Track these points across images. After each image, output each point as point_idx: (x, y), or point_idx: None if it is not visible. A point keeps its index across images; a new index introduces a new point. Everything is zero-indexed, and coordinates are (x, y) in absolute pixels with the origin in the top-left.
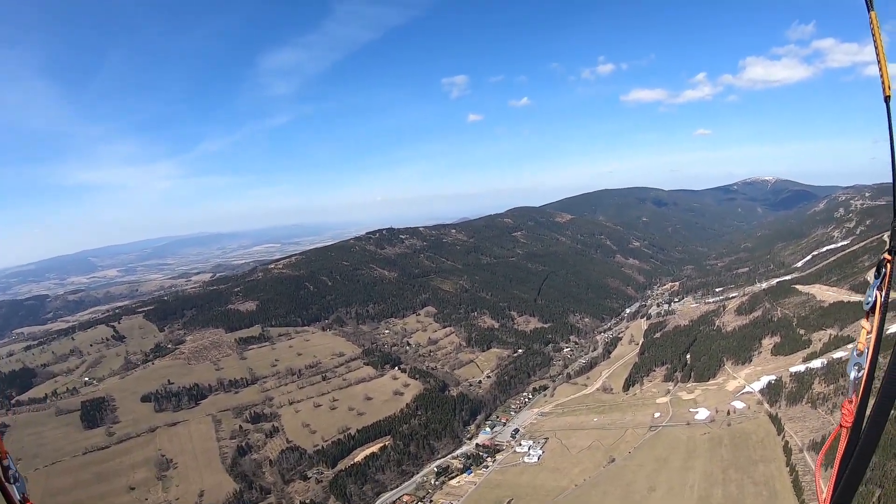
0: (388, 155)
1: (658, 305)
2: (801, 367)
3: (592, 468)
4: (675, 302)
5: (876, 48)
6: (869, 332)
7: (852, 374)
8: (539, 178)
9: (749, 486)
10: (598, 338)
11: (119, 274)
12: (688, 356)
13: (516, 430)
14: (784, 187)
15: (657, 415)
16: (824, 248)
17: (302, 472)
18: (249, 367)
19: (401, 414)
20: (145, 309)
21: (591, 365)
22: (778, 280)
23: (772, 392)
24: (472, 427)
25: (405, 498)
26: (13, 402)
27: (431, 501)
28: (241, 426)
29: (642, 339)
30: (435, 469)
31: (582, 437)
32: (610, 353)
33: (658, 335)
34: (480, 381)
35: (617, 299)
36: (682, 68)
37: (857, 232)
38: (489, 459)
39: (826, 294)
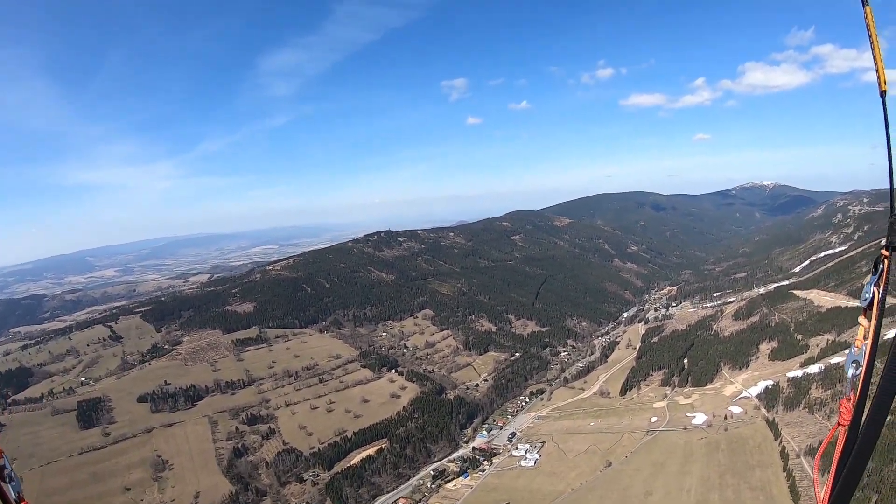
0: (386, 157)
1: (656, 310)
2: (799, 373)
3: (589, 472)
4: (673, 306)
5: (871, 44)
6: (867, 330)
7: (850, 372)
8: (537, 181)
9: (746, 491)
10: (595, 342)
11: (117, 274)
12: (685, 361)
13: (513, 434)
14: (782, 192)
15: (654, 419)
16: (822, 254)
17: (298, 474)
18: (246, 368)
19: (397, 417)
20: (142, 309)
21: (588, 369)
22: (776, 285)
23: (769, 397)
24: (469, 430)
25: (401, 501)
26: (9, 401)
27: None
28: (237, 428)
29: (640, 344)
30: (431, 472)
31: (579, 441)
32: (607, 357)
33: (656, 339)
34: (477, 385)
35: (615, 303)
36: (682, 73)
37: (855, 237)
38: (486, 463)
39: (824, 299)
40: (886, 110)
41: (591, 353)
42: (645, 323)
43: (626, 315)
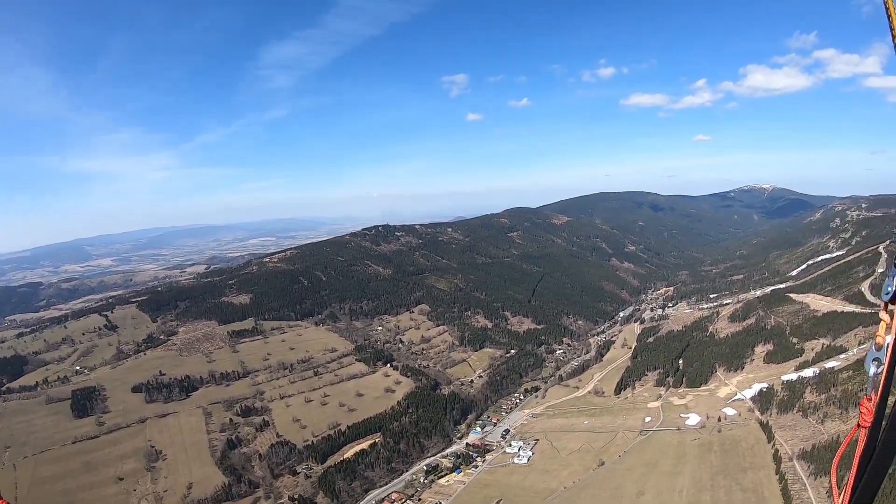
0: (385, 151)
1: (652, 310)
2: (793, 376)
3: (582, 471)
4: (670, 307)
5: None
6: (889, 325)
7: (871, 371)
8: (536, 178)
9: (738, 493)
10: (591, 341)
11: (114, 263)
12: (680, 361)
13: (507, 431)
14: (781, 195)
15: (648, 419)
16: (819, 258)
17: (291, 466)
18: (241, 360)
19: (392, 411)
20: (139, 299)
21: (583, 367)
22: (772, 288)
23: (763, 400)
24: (463, 426)
25: (394, 495)
26: (4, 389)
27: (420, 500)
28: (231, 419)
29: (635, 343)
30: (424, 467)
31: (572, 440)
32: (603, 356)
33: (651, 340)
34: (472, 381)
35: (611, 303)
36: (683, 74)
37: (853, 242)
38: (479, 459)
39: (820, 303)
40: None
41: (587, 352)
42: (641, 323)
43: (622, 314)
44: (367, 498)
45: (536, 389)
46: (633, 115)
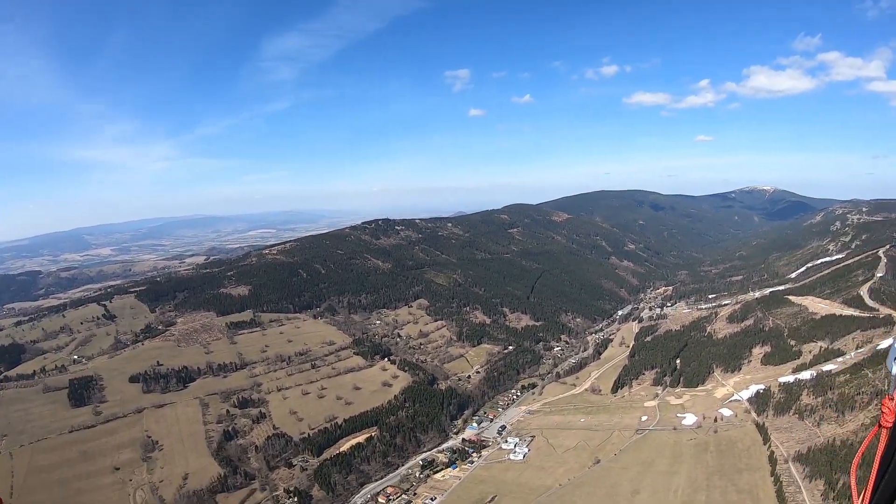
0: (386, 145)
1: (650, 309)
2: (790, 378)
3: (577, 468)
4: (668, 306)
5: None
6: None
7: (894, 370)
8: (537, 175)
9: (733, 494)
10: (589, 338)
11: (113, 253)
12: (678, 361)
13: (503, 427)
14: (782, 197)
15: (644, 418)
16: (819, 261)
17: (287, 459)
18: (239, 351)
19: (388, 405)
20: (137, 289)
21: (580, 365)
22: (771, 290)
23: (760, 401)
24: (459, 422)
25: (389, 490)
26: (1, 377)
27: (415, 494)
28: (228, 411)
29: (633, 342)
30: (420, 462)
31: (568, 437)
32: (600, 354)
33: (649, 339)
34: (469, 376)
35: (610, 301)
36: (686, 74)
37: (853, 246)
38: (475, 455)
39: (818, 306)
40: None
41: (585, 350)
42: (639, 321)
43: (620, 313)
44: (363, 492)
45: (533, 386)
46: (635, 114)
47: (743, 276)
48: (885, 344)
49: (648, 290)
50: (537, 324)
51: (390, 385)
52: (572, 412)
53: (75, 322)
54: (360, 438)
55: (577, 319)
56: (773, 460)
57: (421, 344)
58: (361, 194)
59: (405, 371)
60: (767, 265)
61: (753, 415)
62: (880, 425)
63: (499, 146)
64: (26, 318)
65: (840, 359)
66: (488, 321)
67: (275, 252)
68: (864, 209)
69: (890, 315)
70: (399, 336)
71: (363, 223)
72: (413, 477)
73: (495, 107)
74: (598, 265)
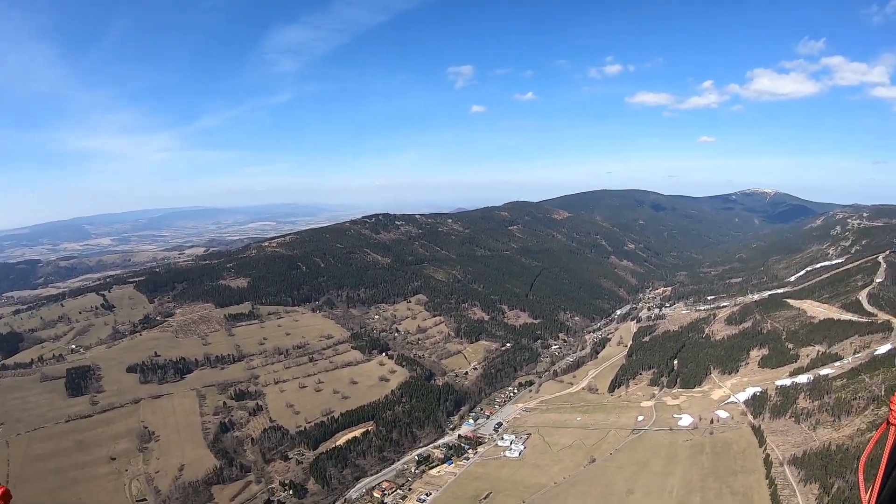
0: (388, 140)
1: (649, 309)
2: (787, 382)
3: (573, 467)
4: (667, 307)
5: None
6: None
7: None
8: (538, 173)
9: (727, 496)
10: (587, 337)
11: (113, 243)
12: (675, 362)
13: (499, 424)
14: (782, 201)
15: (641, 418)
16: (818, 265)
17: (283, 452)
18: (237, 343)
19: (385, 400)
20: (136, 279)
21: (578, 364)
22: (770, 293)
23: (756, 404)
24: (456, 418)
25: (384, 484)
26: None
27: (410, 490)
28: (225, 403)
29: (631, 342)
30: (416, 457)
31: (564, 436)
32: (598, 353)
33: (647, 339)
34: (467, 373)
35: (608, 300)
36: (690, 74)
37: (853, 251)
38: (470, 451)
39: (817, 310)
40: None
41: (582, 348)
42: (637, 321)
43: (619, 312)
44: (358, 486)
45: (530, 384)
46: (637, 114)
47: (742, 278)
48: (883, 349)
49: (647, 291)
50: (536, 321)
51: (387, 380)
52: (569, 410)
53: (74, 311)
54: (357, 433)
55: (576, 318)
56: (768, 463)
57: (419, 339)
58: (362, 189)
59: (403, 366)
60: (767, 268)
61: (750, 417)
62: (888, 423)
63: (500, 143)
64: (25, 306)
65: (837, 363)
66: (487, 318)
67: (274, 245)
68: (864, 214)
69: (888, 321)
70: (397, 331)
71: (363, 217)
72: (408, 472)
73: (498, 104)
74: (597, 264)
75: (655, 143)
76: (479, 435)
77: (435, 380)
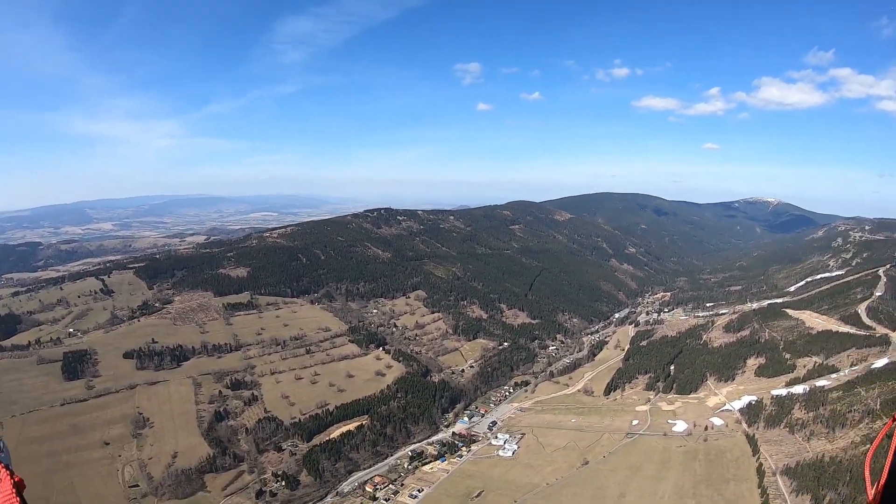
0: (392, 135)
1: (647, 313)
2: (783, 392)
3: (566, 468)
4: (665, 312)
5: None
6: None
7: None
8: (542, 173)
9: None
10: (584, 339)
11: (114, 228)
12: (672, 367)
13: (494, 423)
14: (785, 210)
15: (635, 422)
16: (818, 276)
17: (277, 443)
18: (235, 333)
19: (381, 395)
20: (136, 265)
21: (574, 365)
22: (769, 302)
23: (751, 412)
24: (451, 415)
25: (377, 479)
26: None
27: (403, 485)
28: (220, 391)
29: (628, 346)
30: (409, 453)
31: (558, 437)
32: (595, 355)
33: (644, 343)
34: (463, 370)
35: (607, 303)
36: (697, 80)
37: (853, 263)
38: (464, 449)
39: (815, 321)
40: None
41: (580, 350)
42: (636, 325)
43: (617, 315)
44: (350, 479)
45: (526, 384)
46: (643, 118)
47: (742, 286)
48: (880, 363)
49: (647, 295)
50: (534, 322)
51: (384, 374)
52: (564, 412)
53: (73, 295)
54: (351, 426)
55: (574, 320)
56: (761, 472)
57: (416, 335)
58: (365, 182)
59: (399, 361)
60: (767, 277)
61: (744, 426)
62: (894, 419)
63: (505, 142)
64: (24, 288)
65: (834, 375)
66: (485, 316)
67: (276, 235)
68: (866, 227)
69: (886, 335)
70: (395, 326)
71: (365, 211)
72: (401, 467)
73: (504, 102)
74: (597, 267)
75: (660, 147)
76: (473, 433)
77: (431, 376)
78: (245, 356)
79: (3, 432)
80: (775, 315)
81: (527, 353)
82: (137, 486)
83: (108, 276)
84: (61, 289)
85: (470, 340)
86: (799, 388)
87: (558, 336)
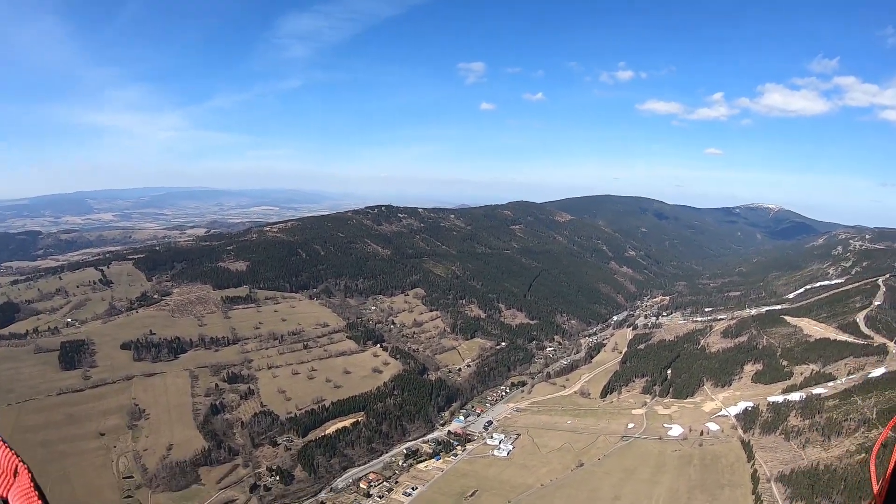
0: (394, 133)
1: (646, 317)
2: (780, 398)
3: (560, 470)
4: (664, 316)
5: None
6: None
7: None
8: (543, 174)
9: None
10: (582, 341)
11: (114, 218)
12: (669, 371)
13: (489, 423)
14: (786, 217)
15: (631, 425)
16: (818, 284)
17: (272, 437)
18: (233, 326)
19: (377, 392)
20: (136, 256)
21: (572, 367)
22: (768, 308)
23: (747, 418)
24: (447, 414)
25: (371, 476)
26: None
27: (397, 482)
28: (217, 385)
29: (626, 349)
30: (404, 451)
31: (554, 438)
32: (592, 357)
33: (642, 346)
34: (460, 369)
35: (606, 305)
36: (701, 85)
37: (853, 272)
38: (459, 448)
39: (813, 329)
40: None
41: (577, 352)
42: (634, 329)
43: (615, 318)
44: (345, 476)
45: (523, 384)
46: (646, 121)
47: (741, 292)
48: (877, 372)
49: (645, 298)
50: (532, 322)
51: (380, 371)
52: (560, 413)
53: (72, 285)
54: (347, 422)
55: (572, 321)
56: (755, 479)
57: (414, 333)
58: (366, 179)
59: (396, 359)
60: (766, 283)
61: (740, 431)
62: None
63: (507, 142)
64: (23, 277)
65: (831, 383)
66: (483, 316)
67: (276, 230)
68: (867, 236)
69: (884, 344)
70: (393, 323)
71: (366, 208)
72: (396, 465)
73: (507, 102)
74: (597, 269)
75: (662, 151)
76: (468, 432)
77: (428, 374)
78: (242, 350)
79: None
80: (773, 322)
81: (524, 354)
82: (132, 477)
83: (108, 267)
84: (60, 278)
85: (468, 339)
86: (795, 396)
87: (556, 337)
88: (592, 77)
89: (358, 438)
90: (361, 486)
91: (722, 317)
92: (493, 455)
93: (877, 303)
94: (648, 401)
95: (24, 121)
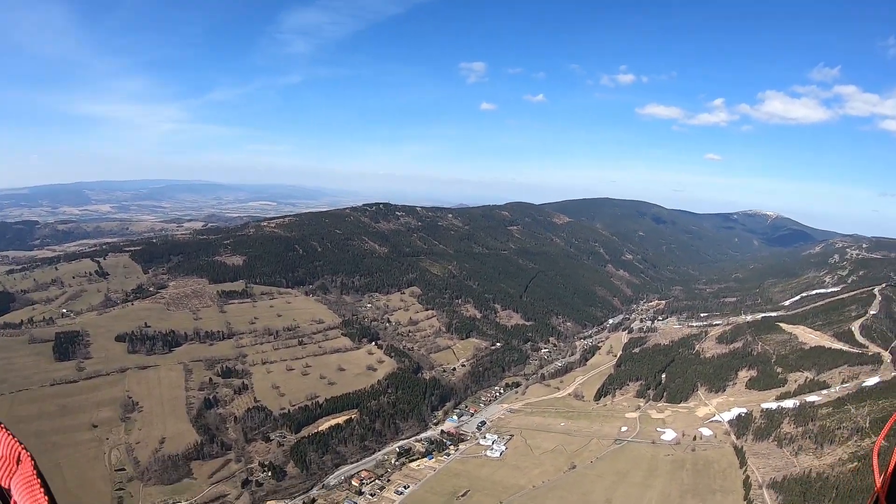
0: (395, 131)
1: (641, 321)
2: (773, 405)
3: (552, 471)
4: (659, 320)
5: None
6: None
7: None
8: (542, 175)
9: None
10: (577, 343)
11: (112, 210)
12: (663, 376)
13: (483, 423)
14: (783, 224)
15: (624, 429)
16: (814, 292)
17: (265, 433)
18: (228, 321)
19: (371, 389)
20: (132, 249)
21: (566, 369)
22: (763, 315)
23: (740, 424)
24: (440, 413)
25: (363, 473)
26: None
27: (389, 481)
28: (211, 379)
29: (621, 352)
30: (397, 449)
31: (547, 440)
32: (587, 360)
33: (637, 350)
34: (455, 369)
35: (602, 308)
36: (702, 91)
37: (849, 281)
38: (452, 448)
39: (808, 336)
40: None
41: (572, 354)
42: (629, 332)
43: (611, 321)
44: (337, 472)
45: (517, 385)
46: (646, 125)
47: (737, 298)
48: (871, 381)
49: (641, 302)
50: (527, 323)
51: (375, 369)
52: (553, 415)
53: (67, 276)
54: (340, 420)
55: (568, 323)
56: (747, 485)
57: (409, 331)
58: (365, 176)
59: (391, 357)
60: (762, 290)
61: (733, 437)
62: None
63: (507, 143)
64: (19, 267)
65: (824, 391)
66: (479, 316)
67: (273, 225)
68: (864, 245)
69: (879, 353)
70: (388, 321)
71: (364, 205)
72: (388, 463)
73: (507, 103)
74: (593, 271)
75: (662, 155)
76: (461, 432)
77: (422, 373)
78: (237, 344)
79: None
80: (769, 328)
81: (519, 355)
82: (124, 469)
83: (104, 259)
84: (56, 269)
85: (463, 339)
86: (789, 403)
87: (551, 339)
88: (593, 79)
89: (351, 436)
90: (353, 483)
91: (717, 322)
92: (485, 455)
93: (872, 312)
94: (642, 404)
95: (24, 110)
